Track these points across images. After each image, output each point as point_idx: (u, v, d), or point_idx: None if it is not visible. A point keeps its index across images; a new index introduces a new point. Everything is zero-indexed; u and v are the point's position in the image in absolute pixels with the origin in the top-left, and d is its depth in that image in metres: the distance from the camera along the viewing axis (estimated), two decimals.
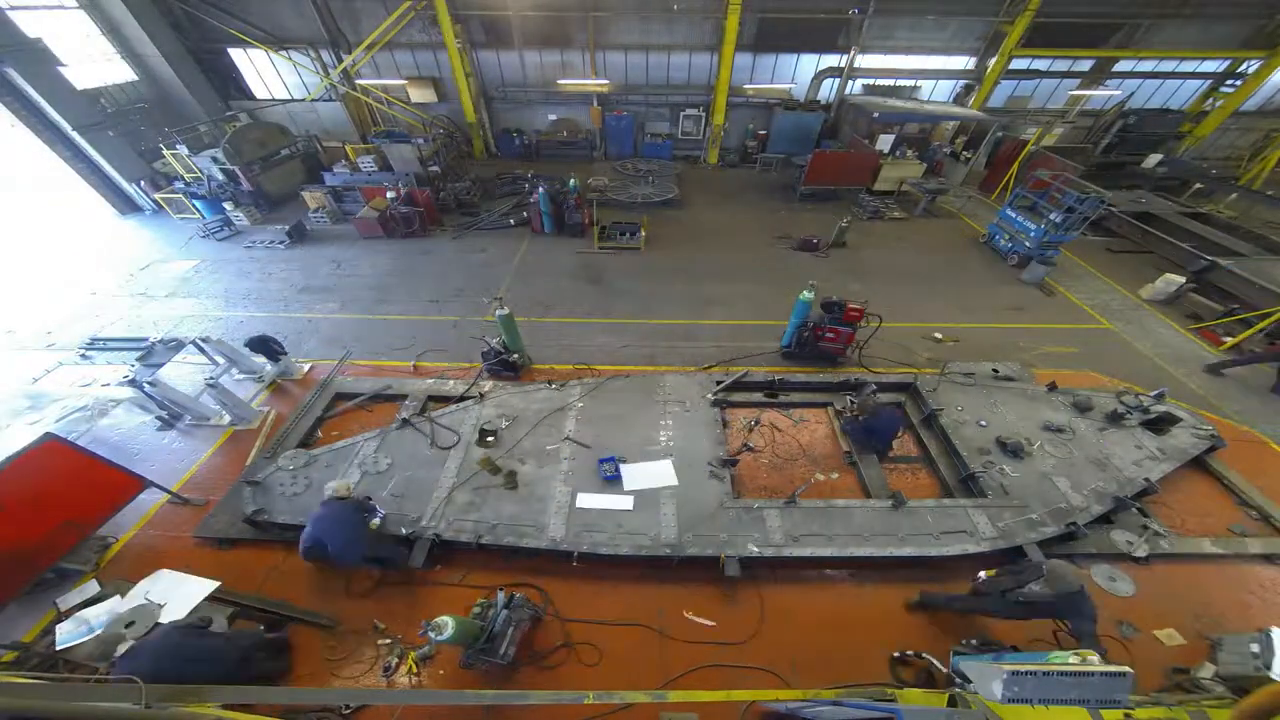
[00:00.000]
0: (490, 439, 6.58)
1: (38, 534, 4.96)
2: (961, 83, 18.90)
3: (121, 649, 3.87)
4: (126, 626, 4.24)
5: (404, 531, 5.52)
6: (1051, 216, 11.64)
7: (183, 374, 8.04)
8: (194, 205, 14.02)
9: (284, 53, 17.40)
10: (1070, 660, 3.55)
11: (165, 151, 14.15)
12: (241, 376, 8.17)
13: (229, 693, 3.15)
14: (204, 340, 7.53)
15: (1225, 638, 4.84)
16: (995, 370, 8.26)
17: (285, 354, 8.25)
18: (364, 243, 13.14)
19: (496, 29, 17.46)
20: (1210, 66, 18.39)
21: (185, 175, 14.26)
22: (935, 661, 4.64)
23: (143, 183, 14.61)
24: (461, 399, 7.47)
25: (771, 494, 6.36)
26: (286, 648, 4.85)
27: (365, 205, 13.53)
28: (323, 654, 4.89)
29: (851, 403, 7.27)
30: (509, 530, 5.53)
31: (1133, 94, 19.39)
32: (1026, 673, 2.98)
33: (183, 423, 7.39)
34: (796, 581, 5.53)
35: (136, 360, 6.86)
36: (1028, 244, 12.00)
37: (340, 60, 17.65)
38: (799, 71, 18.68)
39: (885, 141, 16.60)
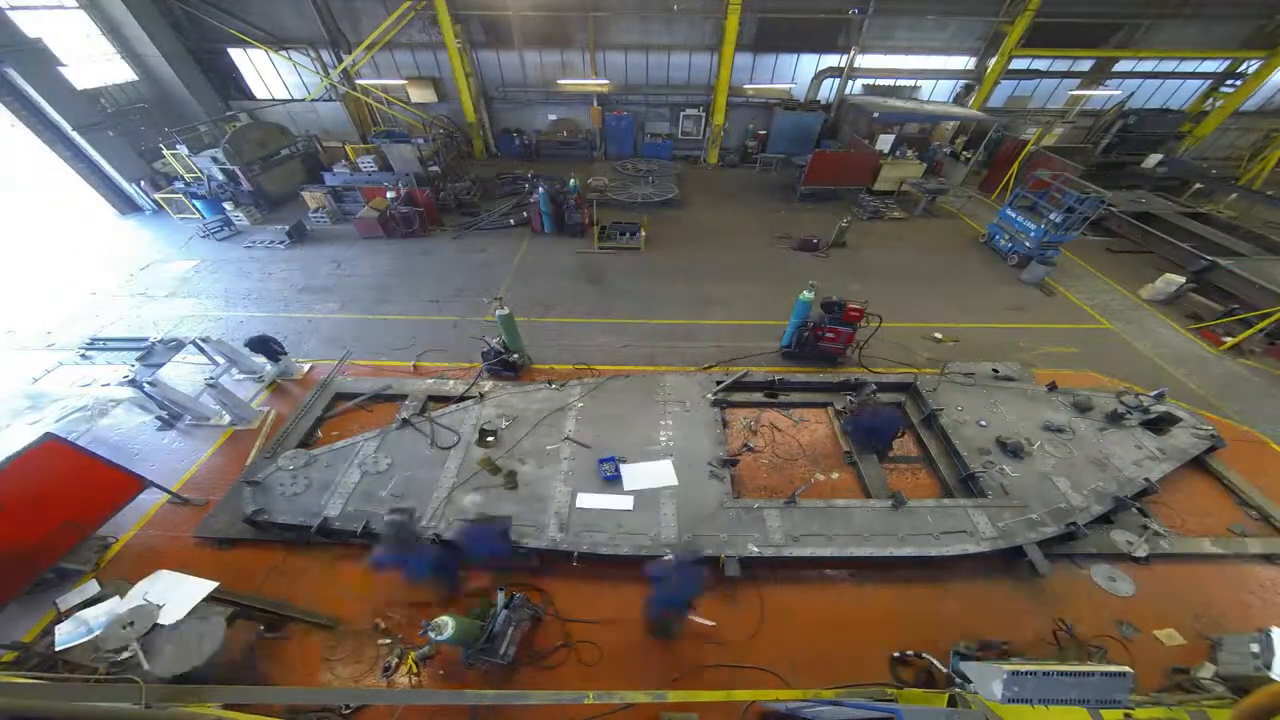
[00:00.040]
0: (490, 439, 6.58)
1: (38, 534, 4.96)
2: (961, 83, 18.90)
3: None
4: (125, 627, 4.23)
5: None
6: (1051, 216, 11.64)
7: (183, 374, 8.04)
8: (194, 205, 14.02)
9: (284, 53, 17.40)
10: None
11: (165, 151, 14.15)
12: (241, 376, 8.17)
13: (229, 693, 3.15)
14: (204, 340, 7.53)
15: (1225, 638, 4.85)
16: (995, 370, 8.26)
17: (285, 354, 8.25)
18: (364, 243, 13.14)
19: (496, 29, 17.46)
20: (1210, 66, 18.40)
21: (185, 175, 14.26)
22: (935, 661, 4.64)
23: (143, 183, 14.61)
24: (461, 399, 7.47)
25: (771, 494, 6.36)
26: None
27: (365, 205, 13.53)
28: (323, 654, 4.89)
29: (851, 402, 7.27)
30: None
31: (1133, 94, 19.40)
32: (1026, 673, 2.98)
33: (183, 423, 7.39)
34: (796, 581, 5.53)
35: (136, 360, 6.86)
36: (1028, 244, 12.01)
37: (340, 60, 17.65)
38: (799, 71, 18.68)
39: (885, 141, 16.60)
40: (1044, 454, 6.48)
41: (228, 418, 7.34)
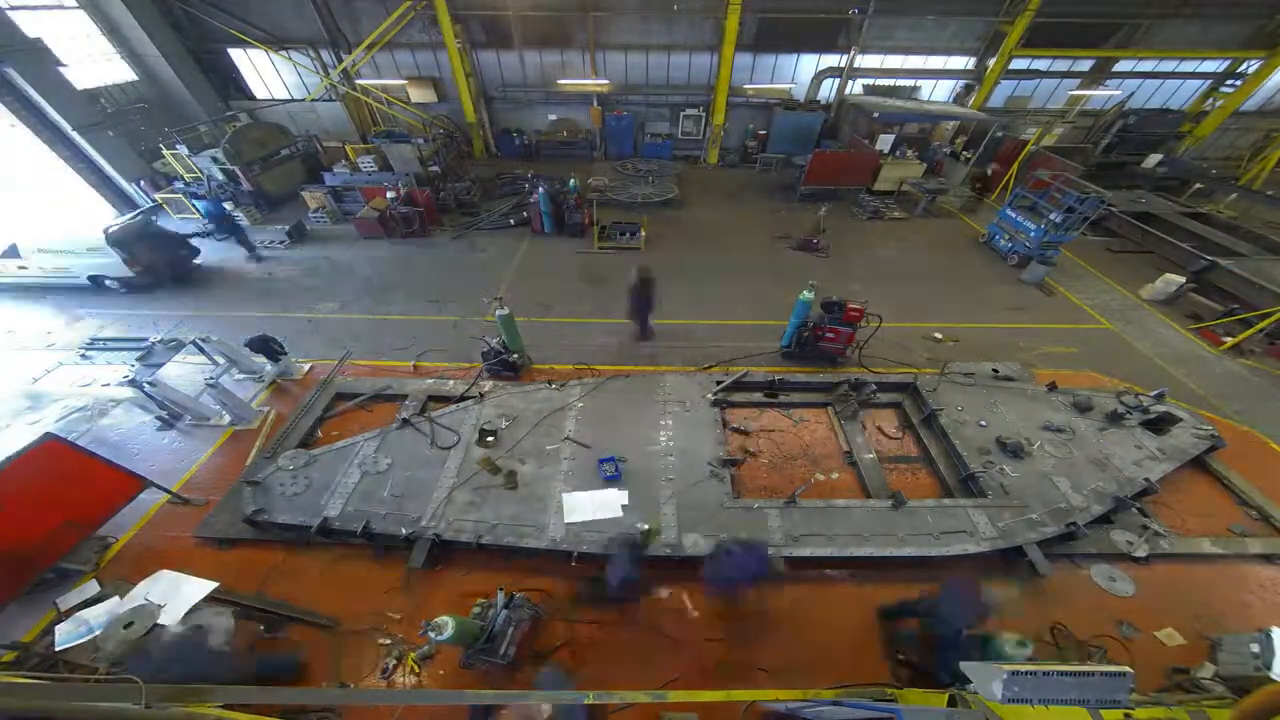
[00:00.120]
0: (490, 439, 6.58)
1: (38, 534, 4.96)
2: (961, 83, 18.90)
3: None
4: (125, 627, 4.23)
5: (404, 532, 5.52)
6: (1051, 216, 11.64)
7: (183, 374, 8.04)
8: (194, 205, 14.01)
9: (284, 53, 17.40)
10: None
11: (165, 151, 14.15)
12: (241, 376, 8.18)
13: (229, 693, 3.15)
14: (204, 340, 7.53)
15: (1225, 638, 4.85)
16: (995, 370, 8.26)
17: (285, 354, 8.25)
18: (364, 243, 13.14)
19: (496, 29, 17.45)
20: (1210, 66, 18.39)
21: (185, 175, 14.26)
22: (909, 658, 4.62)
23: (142, 183, 14.59)
24: (461, 399, 7.47)
25: (771, 494, 6.36)
26: (299, 670, 4.79)
27: (365, 205, 13.53)
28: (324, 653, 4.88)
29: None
30: (509, 530, 5.53)
31: (1133, 94, 19.39)
32: (1026, 673, 2.98)
33: (183, 423, 7.39)
34: (796, 581, 5.52)
35: (136, 360, 6.85)
36: (1028, 244, 12.01)
37: (340, 60, 17.65)
38: (799, 71, 18.68)
39: (885, 141, 16.60)
40: (1044, 454, 6.48)
41: (228, 418, 7.34)
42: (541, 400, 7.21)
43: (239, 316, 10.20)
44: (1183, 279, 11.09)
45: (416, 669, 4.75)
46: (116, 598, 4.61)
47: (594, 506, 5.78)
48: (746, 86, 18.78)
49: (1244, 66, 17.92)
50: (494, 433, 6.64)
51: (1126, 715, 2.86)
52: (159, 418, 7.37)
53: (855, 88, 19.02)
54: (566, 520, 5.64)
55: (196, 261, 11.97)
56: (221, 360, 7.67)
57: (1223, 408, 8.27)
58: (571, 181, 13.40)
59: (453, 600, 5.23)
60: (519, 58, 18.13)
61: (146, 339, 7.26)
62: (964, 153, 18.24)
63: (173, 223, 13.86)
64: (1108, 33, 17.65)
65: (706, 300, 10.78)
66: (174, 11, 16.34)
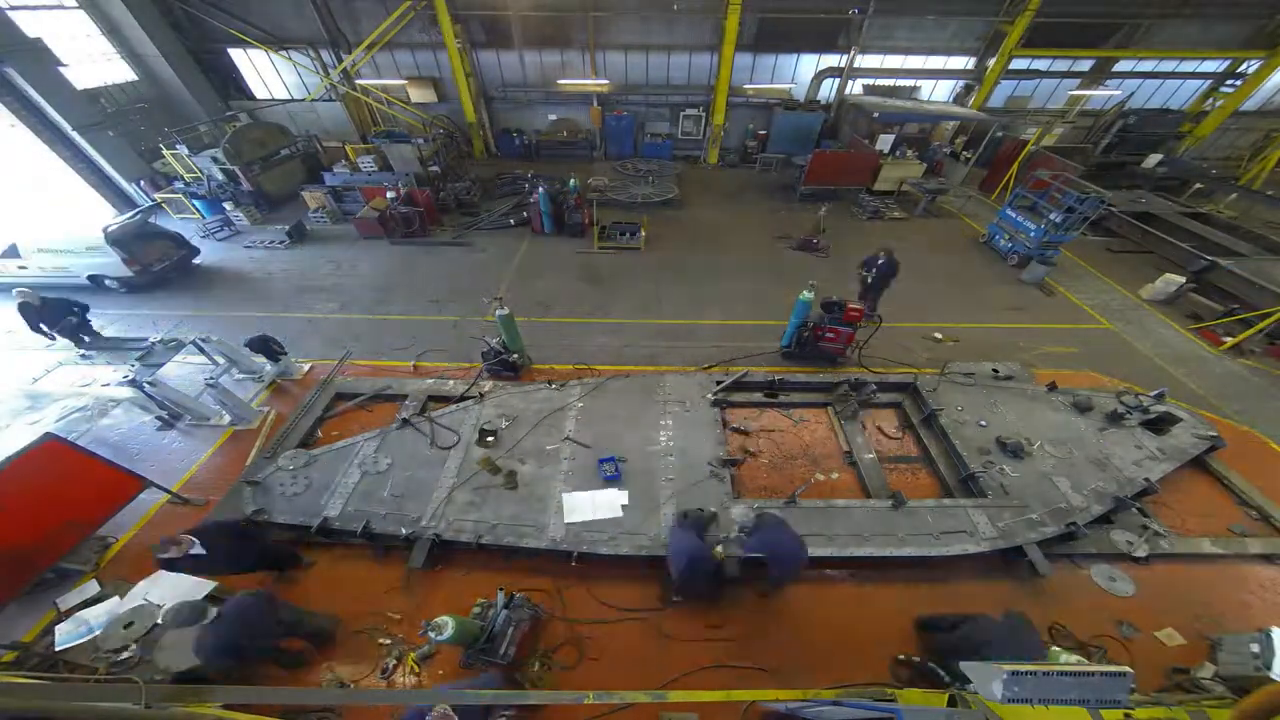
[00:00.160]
0: (490, 439, 6.58)
1: (38, 534, 4.96)
2: (961, 83, 18.90)
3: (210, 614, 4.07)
4: (125, 627, 4.24)
5: (404, 532, 5.52)
6: (1051, 216, 11.64)
7: (183, 374, 8.05)
8: (194, 205, 14.02)
9: (284, 53, 17.41)
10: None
11: (165, 151, 14.15)
12: (241, 376, 8.18)
13: (229, 693, 3.15)
14: (204, 340, 7.53)
15: (1225, 638, 4.85)
16: (995, 370, 8.25)
17: (285, 354, 8.26)
18: (364, 243, 13.14)
19: (496, 29, 17.46)
20: (1210, 66, 18.40)
21: (185, 175, 14.26)
22: (938, 669, 4.60)
23: (142, 182, 14.60)
24: (461, 399, 7.47)
25: (771, 494, 6.36)
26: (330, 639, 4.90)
27: (365, 205, 13.53)
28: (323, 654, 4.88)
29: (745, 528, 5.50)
30: (509, 530, 5.54)
31: (1133, 94, 19.40)
32: (1026, 673, 2.98)
33: (183, 423, 7.39)
34: (797, 581, 5.52)
35: (136, 360, 6.86)
36: (1028, 244, 12.01)
37: (340, 60, 17.66)
38: (799, 71, 18.69)
39: (885, 141, 16.59)
40: (1044, 454, 6.48)
41: (228, 418, 7.34)
42: (541, 400, 7.21)
43: (239, 316, 10.20)
44: (1183, 279, 11.09)
45: (416, 669, 4.75)
46: (116, 598, 4.63)
47: (594, 506, 5.78)
48: (746, 86, 18.78)
49: (1244, 66, 17.93)
50: (494, 433, 6.64)
51: (1126, 715, 2.86)
52: (159, 418, 7.37)
53: (855, 88, 19.02)
54: (566, 520, 5.64)
55: (196, 261, 11.99)
56: (221, 360, 7.68)
57: (1223, 408, 8.27)
58: (571, 181, 13.40)
59: (453, 600, 5.23)
60: (519, 58, 18.13)
61: (146, 339, 7.27)
62: (964, 153, 18.26)
63: (172, 223, 13.88)
64: (1108, 33, 17.66)
65: (706, 300, 10.78)
66: (174, 11, 16.34)
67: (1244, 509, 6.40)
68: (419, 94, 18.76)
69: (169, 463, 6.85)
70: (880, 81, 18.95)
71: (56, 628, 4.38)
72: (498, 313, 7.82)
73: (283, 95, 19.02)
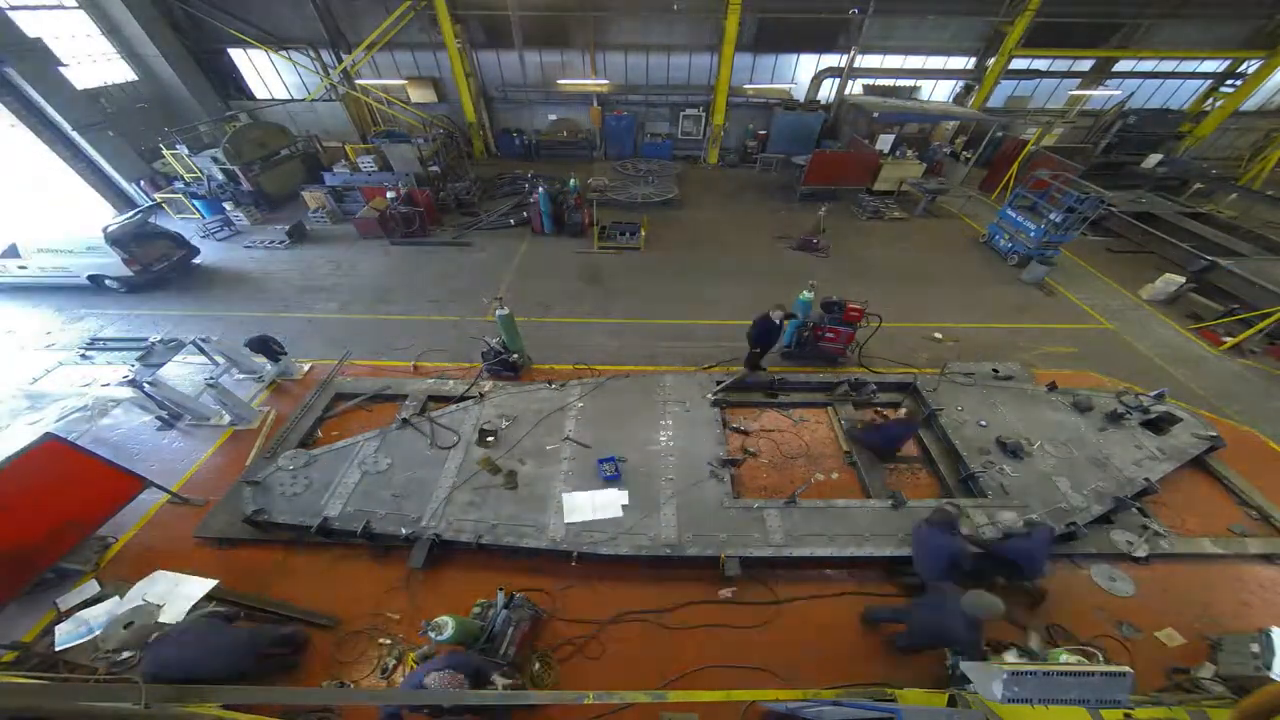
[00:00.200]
0: (490, 439, 6.58)
1: (38, 534, 4.96)
2: (961, 83, 18.91)
3: (151, 636, 3.90)
4: (125, 627, 4.23)
5: (404, 532, 5.52)
6: (1051, 216, 11.64)
7: (183, 374, 8.04)
8: (194, 205, 14.02)
9: (284, 53, 17.41)
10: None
11: (165, 151, 14.15)
12: (241, 376, 8.17)
13: (229, 693, 3.15)
14: (204, 340, 7.53)
15: (1225, 638, 4.85)
16: (995, 370, 8.25)
17: (285, 354, 8.25)
18: (364, 243, 13.14)
19: (496, 29, 17.46)
20: (1210, 66, 18.41)
21: (185, 175, 14.26)
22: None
23: (142, 182, 14.60)
24: (461, 399, 7.47)
25: (771, 494, 6.35)
26: (304, 645, 4.85)
27: (365, 205, 13.54)
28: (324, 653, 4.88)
29: (863, 420, 7.24)
30: (509, 530, 5.53)
31: (1133, 94, 19.41)
32: (1026, 673, 2.98)
33: (183, 423, 7.38)
34: (797, 581, 5.52)
35: (136, 360, 6.86)
36: (1028, 244, 12.01)
37: (340, 60, 17.66)
38: (799, 71, 18.69)
39: (885, 141, 16.61)
40: (1044, 454, 6.48)
41: (228, 418, 7.34)
42: (541, 400, 7.20)
43: (239, 316, 10.20)
44: (1183, 279, 11.09)
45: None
46: (116, 598, 4.62)
47: (594, 506, 5.78)
48: (746, 86, 18.78)
49: (1244, 66, 17.94)
50: (494, 433, 6.64)
51: (1126, 715, 2.86)
52: (159, 418, 7.37)
53: (855, 88, 19.03)
54: (566, 520, 5.64)
55: (196, 261, 11.99)
56: (221, 360, 7.68)
57: (1223, 408, 8.27)
58: (571, 181, 13.41)
59: (453, 600, 5.22)
60: (519, 58, 18.13)
61: (146, 339, 7.26)
62: (964, 153, 18.27)
63: (172, 223, 13.88)
64: (1108, 33, 17.67)
65: (706, 300, 10.78)
66: (174, 11, 16.35)
67: (1244, 509, 6.39)
68: (419, 94, 18.77)
69: (169, 463, 6.85)
70: (880, 81, 18.96)
71: (56, 628, 4.37)
72: (498, 313, 7.82)
73: (283, 95, 19.02)
